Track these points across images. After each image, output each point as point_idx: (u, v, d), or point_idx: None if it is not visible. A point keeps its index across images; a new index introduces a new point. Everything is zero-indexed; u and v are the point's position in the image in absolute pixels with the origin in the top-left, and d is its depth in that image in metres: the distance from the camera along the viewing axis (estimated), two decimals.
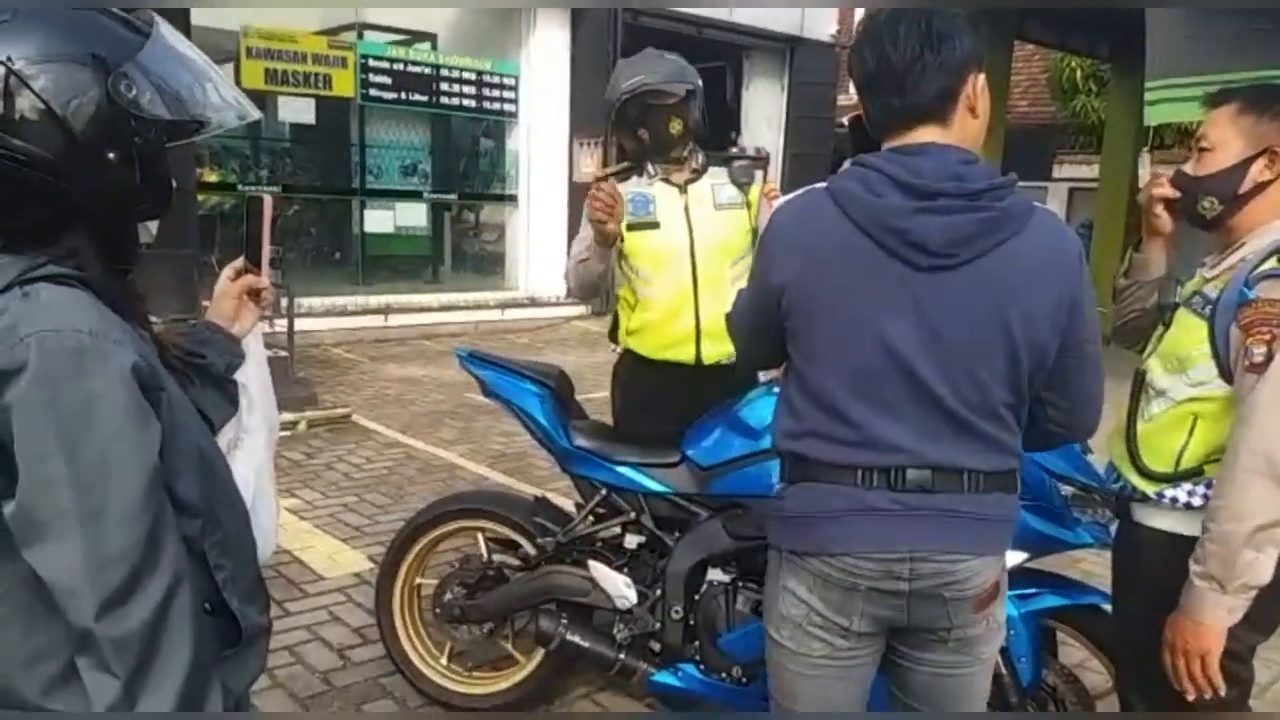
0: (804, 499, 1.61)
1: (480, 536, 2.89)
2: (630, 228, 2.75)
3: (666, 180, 2.79)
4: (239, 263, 1.51)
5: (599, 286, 2.84)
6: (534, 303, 10.72)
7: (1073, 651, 2.54)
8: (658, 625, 2.58)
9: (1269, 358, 1.61)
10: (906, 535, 1.54)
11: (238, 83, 9.26)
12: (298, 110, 9.37)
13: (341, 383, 7.40)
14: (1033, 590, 2.36)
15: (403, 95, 9.81)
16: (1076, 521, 2.29)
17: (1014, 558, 2.16)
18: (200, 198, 9.78)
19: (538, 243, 10.83)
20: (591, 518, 2.69)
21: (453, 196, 11.05)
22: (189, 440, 1.14)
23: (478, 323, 10.10)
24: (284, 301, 7.00)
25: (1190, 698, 1.71)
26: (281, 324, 6.94)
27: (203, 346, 1.39)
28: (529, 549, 2.77)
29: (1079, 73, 11.58)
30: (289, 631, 3.31)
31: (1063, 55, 11.25)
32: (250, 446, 1.50)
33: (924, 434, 1.53)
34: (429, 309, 9.89)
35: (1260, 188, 1.76)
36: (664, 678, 2.58)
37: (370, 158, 10.08)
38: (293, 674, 3.04)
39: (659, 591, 2.58)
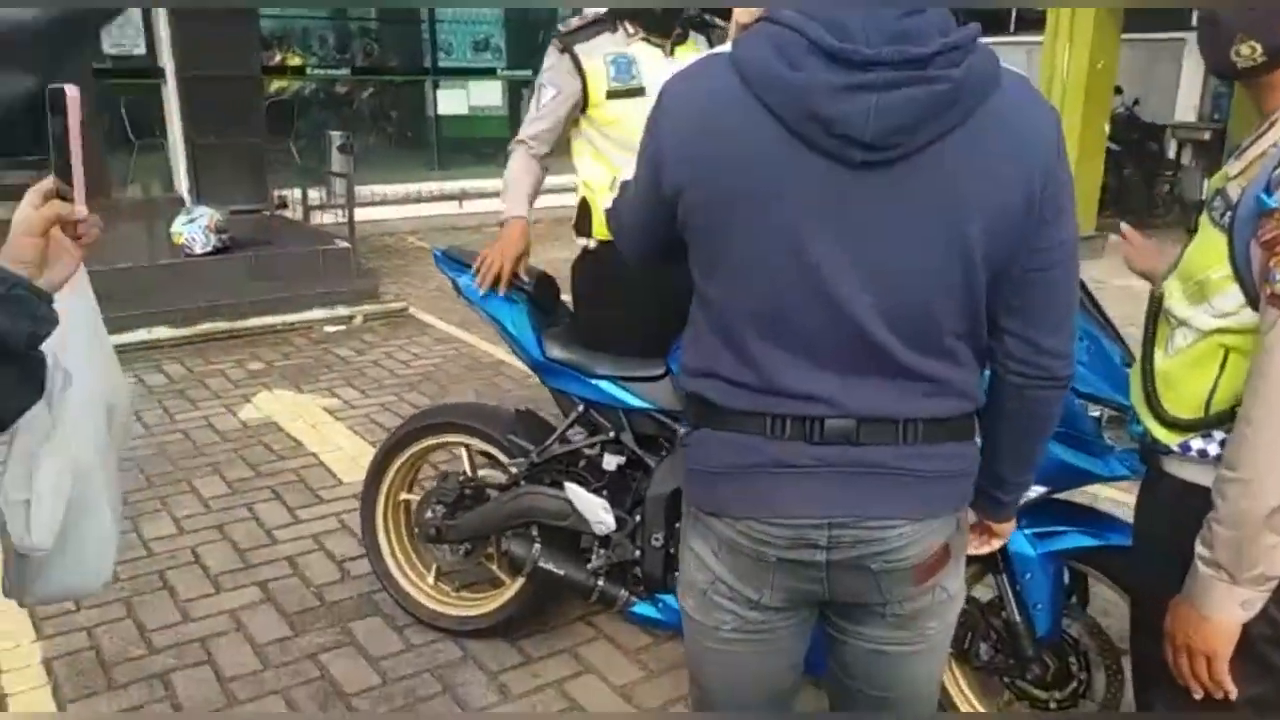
0: (705, 450, 1.31)
1: (465, 451, 2.70)
2: (612, 95, 2.50)
3: (648, 40, 2.52)
4: (47, 183, 1.04)
5: None
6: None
7: (1104, 591, 2.19)
8: (638, 553, 2.35)
9: None
10: (823, 497, 1.24)
11: None
12: None
13: (408, 274, 7.30)
14: (1055, 528, 2.02)
15: None
16: (1109, 449, 1.92)
17: (1032, 491, 1.84)
18: (278, 84, 9.70)
19: None
20: (572, 435, 2.46)
21: (529, 73, 10.63)
22: None
23: (558, 208, 9.79)
24: (346, 190, 6.91)
25: (1197, 696, 1.38)
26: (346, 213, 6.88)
27: None
28: (511, 467, 2.57)
29: None
30: (294, 541, 3.24)
31: None
32: (62, 442, 1.11)
33: (848, 379, 1.21)
34: None
35: None
36: (644, 609, 2.38)
37: (441, 33, 9.73)
38: (287, 587, 2.96)
39: (639, 517, 2.34)
